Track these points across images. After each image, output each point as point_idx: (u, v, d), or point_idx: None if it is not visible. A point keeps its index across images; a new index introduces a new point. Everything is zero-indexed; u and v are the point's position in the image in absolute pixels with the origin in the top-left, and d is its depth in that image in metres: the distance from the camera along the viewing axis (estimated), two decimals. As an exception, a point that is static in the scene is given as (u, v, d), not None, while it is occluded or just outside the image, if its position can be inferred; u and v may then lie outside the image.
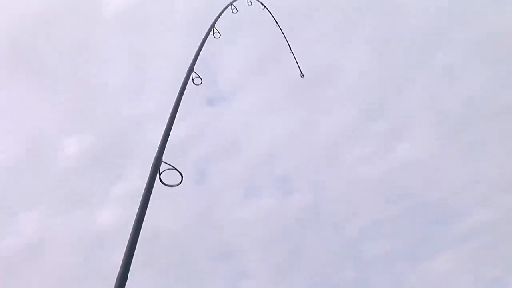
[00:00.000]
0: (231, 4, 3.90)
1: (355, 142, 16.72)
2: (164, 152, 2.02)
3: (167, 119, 2.40)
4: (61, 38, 13.16)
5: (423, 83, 16.36)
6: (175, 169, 1.84)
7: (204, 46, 3.20)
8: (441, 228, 15.72)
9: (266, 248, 15.04)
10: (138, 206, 1.65)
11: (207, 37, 3.31)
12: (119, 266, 1.29)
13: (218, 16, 3.61)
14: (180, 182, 1.82)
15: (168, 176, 1.82)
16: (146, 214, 1.62)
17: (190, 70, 2.90)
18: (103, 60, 14.01)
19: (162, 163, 1.88)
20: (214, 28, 3.43)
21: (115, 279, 1.23)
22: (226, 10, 3.76)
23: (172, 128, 2.34)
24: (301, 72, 5.26)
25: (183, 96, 2.65)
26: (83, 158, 13.50)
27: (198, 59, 3.05)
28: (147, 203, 1.69)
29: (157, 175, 1.81)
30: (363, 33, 15.68)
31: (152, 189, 1.77)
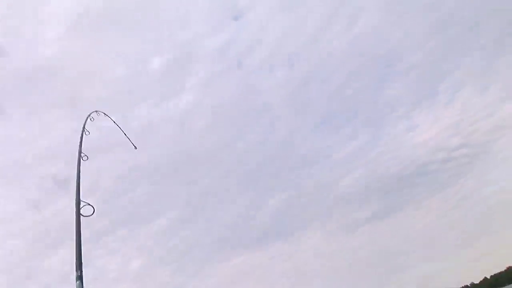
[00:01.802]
0: (83, 130, 4.92)
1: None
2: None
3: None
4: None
5: None
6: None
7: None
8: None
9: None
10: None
11: (80, 163, 4.22)
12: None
13: (80, 144, 4.64)
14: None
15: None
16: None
17: (78, 201, 3.64)
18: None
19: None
20: (81, 153, 4.38)
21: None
22: (83, 136, 4.80)
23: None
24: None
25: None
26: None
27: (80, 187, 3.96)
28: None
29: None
30: None
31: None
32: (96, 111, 5.11)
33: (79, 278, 3.12)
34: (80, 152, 4.47)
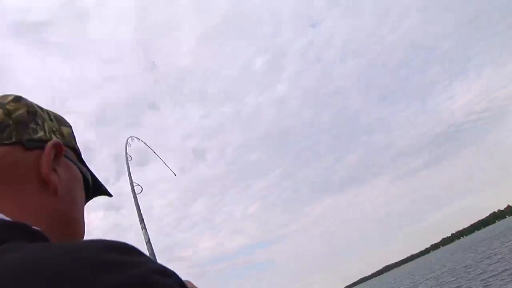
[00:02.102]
0: (126, 156, 4.96)
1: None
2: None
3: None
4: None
5: None
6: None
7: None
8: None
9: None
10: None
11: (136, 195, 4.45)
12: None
13: (128, 170, 4.82)
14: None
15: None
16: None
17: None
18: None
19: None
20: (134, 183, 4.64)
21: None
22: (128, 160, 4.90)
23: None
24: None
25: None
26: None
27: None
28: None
29: None
30: None
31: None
32: (131, 137, 5.14)
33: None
34: (130, 176, 4.68)
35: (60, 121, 0.60)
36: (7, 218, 0.41)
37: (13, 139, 0.50)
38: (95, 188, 0.63)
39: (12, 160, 0.49)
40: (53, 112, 0.60)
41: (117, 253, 0.34)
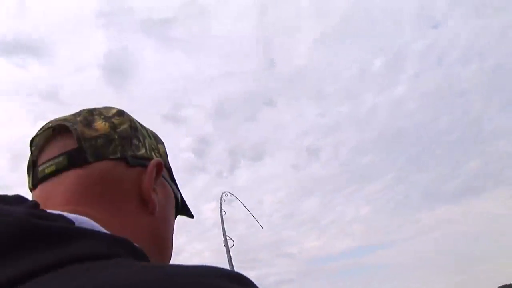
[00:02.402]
0: (221, 210, 5.43)
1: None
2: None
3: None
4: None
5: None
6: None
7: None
8: None
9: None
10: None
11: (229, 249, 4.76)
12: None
13: (222, 221, 5.23)
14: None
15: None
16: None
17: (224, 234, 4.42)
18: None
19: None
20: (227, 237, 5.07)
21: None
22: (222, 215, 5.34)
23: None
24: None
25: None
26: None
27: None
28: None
29: None
30: None
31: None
32: (224, 192, 5.67)
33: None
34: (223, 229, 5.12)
35: (157, 139, 0.59)
36: (108, 232, 0.40)
37: (118, 155, 0.49)
38: (182, 208, 0.61)
39: (116, 176, 0.48)
40: (149, 129, 0.59)
41: (237, 283, 0.31)
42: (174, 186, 0.58)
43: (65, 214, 0.39)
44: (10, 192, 0.42)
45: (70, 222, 0.38)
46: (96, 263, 0.32)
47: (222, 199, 5.60)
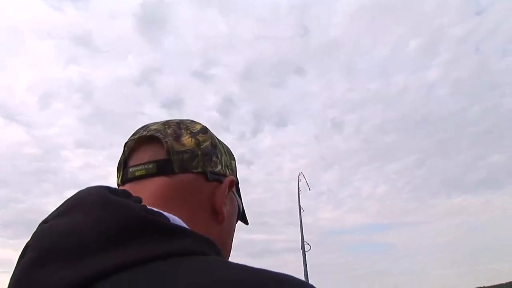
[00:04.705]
0: (298, 190, 5.87)
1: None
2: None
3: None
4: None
5: None
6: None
7: None
8: None
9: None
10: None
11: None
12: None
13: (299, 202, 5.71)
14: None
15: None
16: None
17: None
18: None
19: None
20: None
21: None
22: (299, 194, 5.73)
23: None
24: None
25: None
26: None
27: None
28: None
29: None
30: None
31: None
32: (301, 172, 5.98)
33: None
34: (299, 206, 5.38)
35: (230, 155, 0.66)
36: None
37: (199, 169, 0.56)
38: (242, 216, 0.68)
39: (196, 188, 0.55)
40: (224, 144, 0.66)
41: None
42: (238, 199, 0.65)
43: (163, 212, 0.45)
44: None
45: (167, 219, 0.44)
46: (199, 258, 0.39)
47: (299, 180, 5.64)
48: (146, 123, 0.62)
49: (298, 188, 5.39)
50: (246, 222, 0.70)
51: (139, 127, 0.61)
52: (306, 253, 4.87)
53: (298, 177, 5.56)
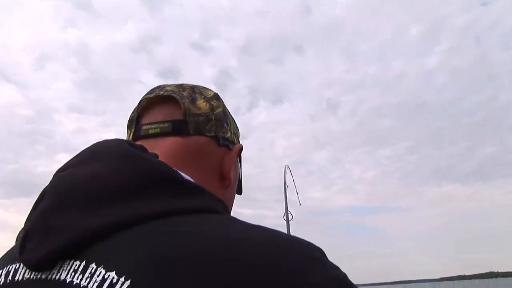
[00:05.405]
0: (285, 184, 5.53)
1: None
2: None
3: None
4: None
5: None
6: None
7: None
8: None
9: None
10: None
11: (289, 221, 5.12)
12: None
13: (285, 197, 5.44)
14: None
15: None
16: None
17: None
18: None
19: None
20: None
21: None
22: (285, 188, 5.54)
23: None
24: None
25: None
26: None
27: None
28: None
29: None
30: None
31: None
32: (287, 165, 5.88)
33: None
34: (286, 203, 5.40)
35: (236, 124, 0.67)
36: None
37: (212, 133, 0.57)
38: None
39: (208, 151, 0.56)
40: (231, 114, 0.67)
41: (320, 253, 0.37)
42: (240, 168, 0.67)
43: (178, 171, 0.45)
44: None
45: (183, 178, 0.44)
46: (218, 216, 0.40)
47: (285, 172, 5.71)
48: (141, 91, 0.60)
49: (285, 182, 5.41)
50: (240, 192, 0.71)
51: (134, 93, 0.61)
52: (289, 223, 4.88)
53: (284, 170, 5.51)
